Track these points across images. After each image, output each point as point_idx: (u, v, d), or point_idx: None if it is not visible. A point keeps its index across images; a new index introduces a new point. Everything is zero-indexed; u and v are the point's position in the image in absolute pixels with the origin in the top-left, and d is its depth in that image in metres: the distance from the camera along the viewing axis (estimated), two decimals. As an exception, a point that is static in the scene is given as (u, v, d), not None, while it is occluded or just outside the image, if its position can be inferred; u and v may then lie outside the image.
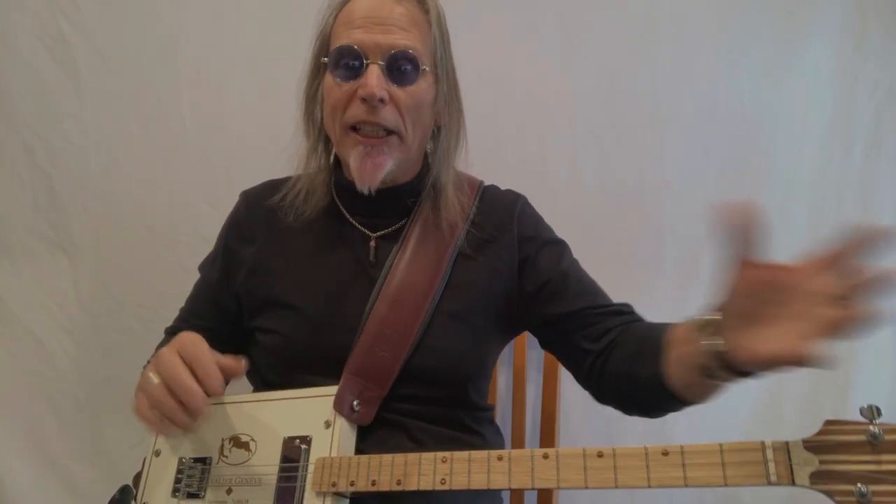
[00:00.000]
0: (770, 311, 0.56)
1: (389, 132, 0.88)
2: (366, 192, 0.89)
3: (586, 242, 1.39)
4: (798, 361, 0.52)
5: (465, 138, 0.98)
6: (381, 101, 0.85)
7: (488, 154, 1.41)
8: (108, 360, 1.43)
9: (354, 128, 0.88)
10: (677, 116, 1.40)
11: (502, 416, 1.31)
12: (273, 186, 1.02)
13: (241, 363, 0.76)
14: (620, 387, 0.84)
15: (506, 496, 1.18)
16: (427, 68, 0.89)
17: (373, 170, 0.87)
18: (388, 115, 0.86)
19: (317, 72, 0.94)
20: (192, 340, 0.76)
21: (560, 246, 0.99)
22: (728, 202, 0.53)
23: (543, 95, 1.43)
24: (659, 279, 1.37)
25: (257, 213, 1.01)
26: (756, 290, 0.57)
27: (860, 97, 1.39)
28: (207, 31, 1.48)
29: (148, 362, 0.93)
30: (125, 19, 1.47)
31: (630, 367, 0.81)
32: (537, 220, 1.02)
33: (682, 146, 1.40)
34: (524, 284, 0.94)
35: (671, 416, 1.33)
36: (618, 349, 0.85)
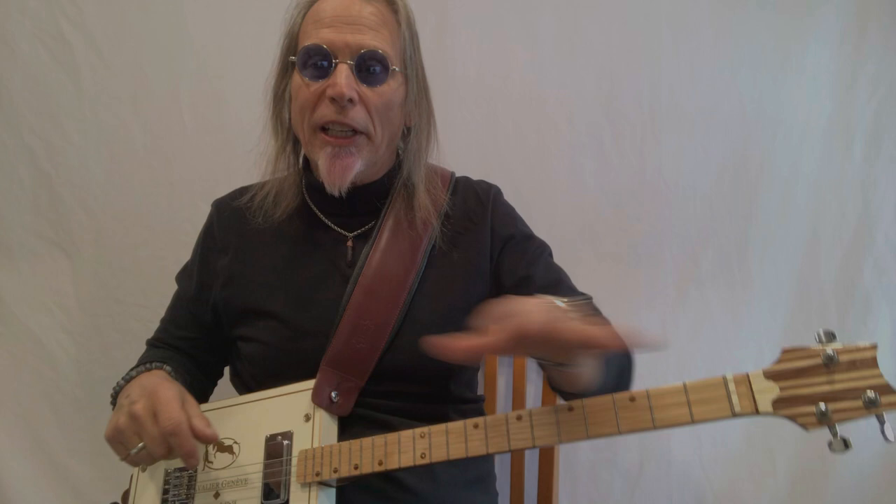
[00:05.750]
0: None
1: (358, 132, 0.87)
2: (336, 194, 0.89)
3: (586, 242, 1.40)
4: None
5: (437, 137, 0.98)
6: (351, 101, 0.84)
7: (488, 154, 1.41)
8: (108, 360, 1.42)
9: (323, 128, 0.87)
10: (677, 116, 1.40)
11: (502, 416, 1.30)
12: (242, 193, 1.01)
13: (215, 432, 0.76)
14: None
15: (505, 495, 1.17)
16: (397, 68, 0.88)
17: (342, 171, 0.87)
18: (357, 116, 0.86)
19: (284, 71, 0.93)
20: (167, 404, 0.75)
21: (528, 241, 0.99)
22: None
23: (543, 95, 1.42)
24: (659, 279, 1.37)
25: (229, 221, 1.01)
26: None
27: (860, 97, 1.39)
28: (207, 31, 1.48)
29: (118, 390, 0.91)
30: (125, 19, 1.47)
31: None
32: (509, 213, 1.02)
33: (682, 146, 1.40)
34: (501, 282, 0.95)
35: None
36: None
